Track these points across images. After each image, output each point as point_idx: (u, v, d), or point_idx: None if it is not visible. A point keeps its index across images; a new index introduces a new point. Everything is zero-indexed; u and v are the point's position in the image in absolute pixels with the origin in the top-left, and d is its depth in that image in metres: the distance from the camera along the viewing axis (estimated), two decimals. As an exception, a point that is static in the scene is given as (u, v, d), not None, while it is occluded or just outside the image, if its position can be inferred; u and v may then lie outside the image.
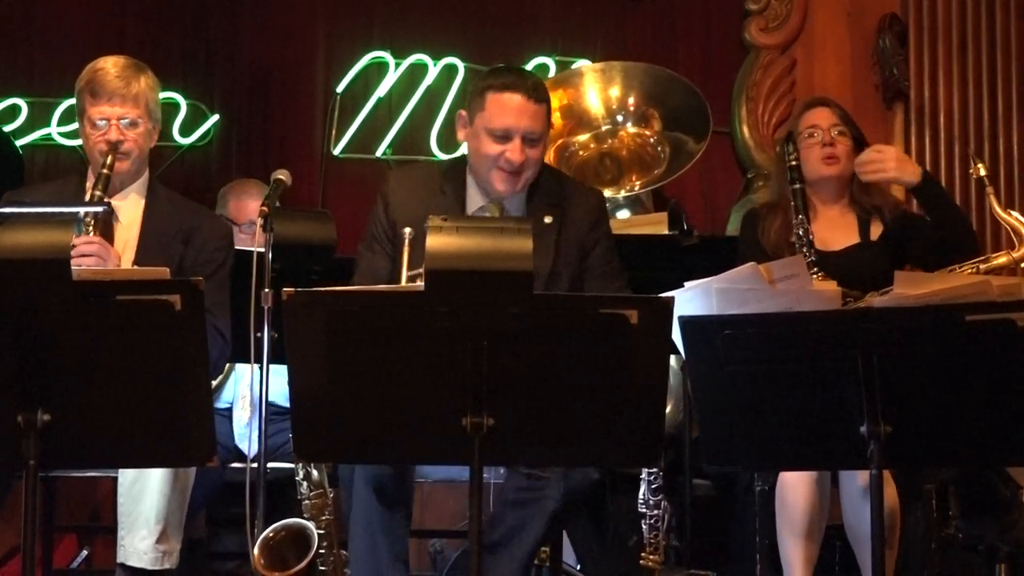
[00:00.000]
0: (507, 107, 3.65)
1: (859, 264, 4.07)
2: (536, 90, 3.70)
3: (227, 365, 4.29)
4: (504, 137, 3.65)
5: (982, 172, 4.25)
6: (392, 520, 3.50)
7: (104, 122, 3.83)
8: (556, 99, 5.21)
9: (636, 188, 5.25)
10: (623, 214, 5.27)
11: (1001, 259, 4.16)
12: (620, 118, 5.31)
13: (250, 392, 4.19)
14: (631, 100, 5.30)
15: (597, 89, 5.37)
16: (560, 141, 5.30)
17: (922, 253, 4.17)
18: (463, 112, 3.77)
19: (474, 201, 3.78)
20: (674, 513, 4.15)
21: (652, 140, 5.29)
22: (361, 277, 3.73)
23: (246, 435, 4.24)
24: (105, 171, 3.78)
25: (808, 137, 4.22)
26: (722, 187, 6.04)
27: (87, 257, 3.58)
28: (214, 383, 4.30)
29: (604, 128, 5.34)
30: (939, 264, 4.02)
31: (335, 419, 2.82)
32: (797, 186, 4.14)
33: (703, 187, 6.06)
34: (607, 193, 5.13)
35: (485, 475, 2.84)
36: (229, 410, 4.36)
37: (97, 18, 6.19)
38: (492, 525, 3.51)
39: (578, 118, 5.31)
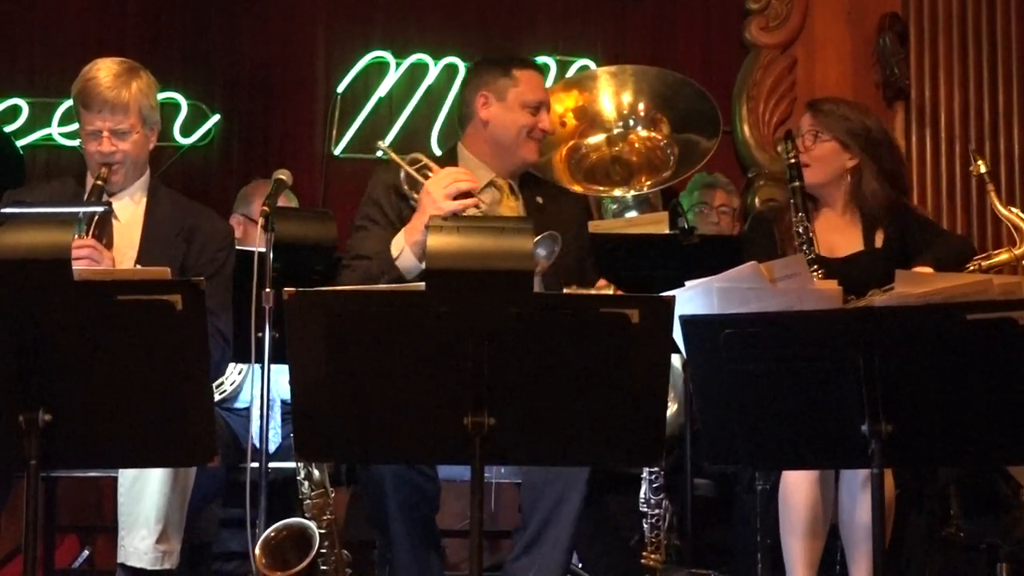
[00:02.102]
0: (537, 82, 3.99)
1: (863, 271, 3.94)
2: None
3: (245, 366, 4.29)
4: (537, 108, 3.93)
5: (982, 169, 4.24)
6: (420, 517, 3.55)
7: (97, 133, 3.83)
8: (571, 100, 5.23)
9: (644, 188, 5.24)
10: (631, 214, 5.26)
11: (1003, 256, 4.16)
12: (631, 122, 5.30)
13: (263, 391, 4.19)
14: (641, 105, 5.28)
15: (610, 92, 5.36)
16: (572, 143, 5.28)
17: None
18: (487, 92, 3.93)
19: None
20: (675, 512, 4.15)
21: (662, 143, 5.28)
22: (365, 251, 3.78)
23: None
24: (99, 182, 3.79)
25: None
26: (722, 187, 6.02)
27: (80, 260, 3.57)
28: (232, 385, 4.31)
29: (616, 131, 5.33)
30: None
31: (336, 419, 2.82)
32: (796, 184, 4.11)
33: (704, 186, 6.04)
34: (616, 193, 5.14)
35: (486, 475, 2.84)
36: (247, 410, 4.35)
37: (97, 18, 6.19)
38: (524, 522, 3.52)
39: (591, 120, 5.30)
